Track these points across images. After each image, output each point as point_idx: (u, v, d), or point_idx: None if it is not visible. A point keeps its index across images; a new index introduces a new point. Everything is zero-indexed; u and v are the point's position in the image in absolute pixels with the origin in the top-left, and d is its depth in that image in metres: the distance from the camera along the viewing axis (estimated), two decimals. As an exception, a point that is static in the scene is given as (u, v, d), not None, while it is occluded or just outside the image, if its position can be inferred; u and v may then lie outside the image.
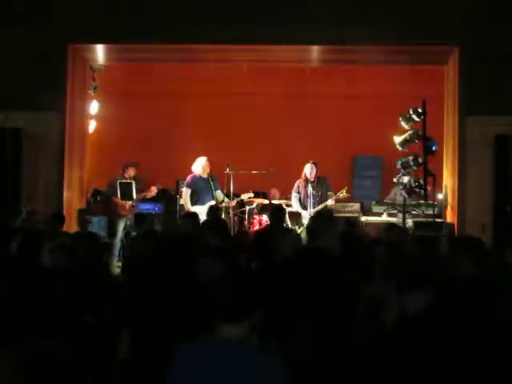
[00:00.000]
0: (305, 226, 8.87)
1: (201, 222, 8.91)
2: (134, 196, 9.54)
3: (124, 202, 9.53)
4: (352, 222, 7.61)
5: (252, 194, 9.76)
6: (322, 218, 4.05)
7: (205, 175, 9.46)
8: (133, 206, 9.52)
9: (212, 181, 9.46)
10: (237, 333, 2.49)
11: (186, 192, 9.51)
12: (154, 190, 9.70)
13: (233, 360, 2.45)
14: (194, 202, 9.37)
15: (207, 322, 2.56)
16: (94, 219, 9.69)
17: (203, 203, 9.35)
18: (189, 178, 9.58)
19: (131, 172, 9.76)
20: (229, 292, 2.53)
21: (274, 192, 10.66)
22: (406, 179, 8.49)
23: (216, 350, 2.48)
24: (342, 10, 8.45)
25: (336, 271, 3.57)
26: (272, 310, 3.08)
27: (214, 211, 7.84)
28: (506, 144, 8.45)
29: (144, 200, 10.02)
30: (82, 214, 9.58)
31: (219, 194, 9.51)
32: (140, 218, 6.96)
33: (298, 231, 9.39)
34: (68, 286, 4.16)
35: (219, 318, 2.51)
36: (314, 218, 4.23)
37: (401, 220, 8.51)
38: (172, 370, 2.55)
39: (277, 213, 6.54)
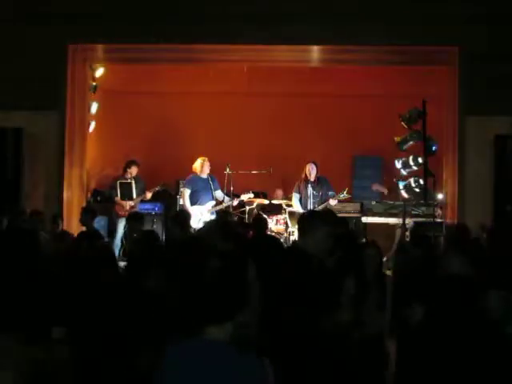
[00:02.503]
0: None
1: (201, 222, 8.98)
2: (134, 196, 9.55)
3: (124, 202, 9.56)
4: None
5: (252, 195, 9.74)
6: (309, 217, 4.01)
7: (204, 175, 9.46)
8: (132, 207, 9.55)
9: (212, 181, 9.46)
10: (220, 333, 2.50)
11: (185, 192, 9.52)
12: (148, 195, 9.73)
13: (215, 361, 2.46)
14: (193, 202, 9.38)
15: (193, 323, 2.57)
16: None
17: (203, 203, 9.36)
18: (188, 178, 9.59)
19: (133, 171, 9.78)
20: (212, 293, 2.54)
21: (279, 193, 10.66)
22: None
23: (199, 351, 2.50)
24: (342, 10, 8.45)
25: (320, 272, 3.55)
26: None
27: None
28: (506, 144, 8.45)
29: (142, 200, 10.03)
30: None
31: (219, 193, 9.51)
32: (136, 217, 6.94)
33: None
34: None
35: (203, 319, 2.52)
36: (301, 217, 4.17)
37: (401, 220, 8.52)
38: (158, 371, 2.57)
39: (259, 224, 6.60)
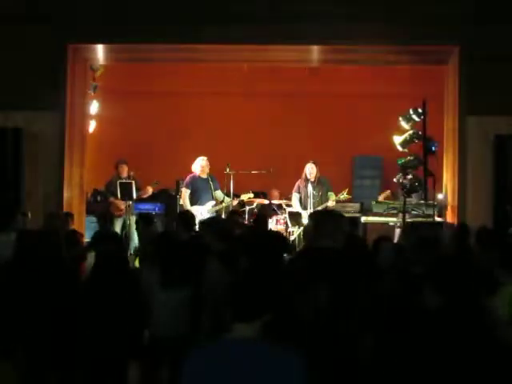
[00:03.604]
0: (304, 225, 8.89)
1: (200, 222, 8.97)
2: (134, 196, 9.55)
3: (118, 201, 9.55)
4: (355, 223, 7.63)
5: (252, 195, 9.75)
6: (329, 217, 4.04)
7: (204, 175, 9.47)
8: (129, 206, 9.52)
9: (212, 181, 9.46)
10: (249, 331, 2.51)
11: (184, 192, 9.52)
12: (149, 190, 9.73)
13: (247, 358, 2.47)
14: (193, 202, 9.37)
15: (221, 321, 2.59)
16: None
17: (203, 203, 9.36)
18: (188, 178, 9.59)
19: (123, 170, 9.78)
20: (241, 292, 2.55)
21: (275, 193, 10.66)
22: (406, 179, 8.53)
23: (230, 349, 2.51)
24: (342, 10, 8.44)
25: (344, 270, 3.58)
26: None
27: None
28: (506, 144, 8.45)
29: (142, 200, 10.02)
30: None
31: (219, 193, 9.51)
32: (147, 219, 6.92)
33: (297, 231, 9.40)
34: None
35: (232, 317, 2.53)
36: (319, 217, 4.19)
37: (401, 220, 8.51)
38: (187, 371, 2.56)
39: (260, 219, 6.63)
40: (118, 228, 9.52)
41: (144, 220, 6.85)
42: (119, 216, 9.60)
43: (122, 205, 9.56)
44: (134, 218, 9.68)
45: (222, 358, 2.49)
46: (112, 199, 9.70)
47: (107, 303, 4.26)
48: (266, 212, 9.19)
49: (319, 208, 9.17)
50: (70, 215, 7.49)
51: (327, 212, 4.97)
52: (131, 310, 4.27)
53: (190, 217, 6.50)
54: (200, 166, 9.47)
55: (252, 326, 2.52)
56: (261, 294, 2.56)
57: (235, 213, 7.99)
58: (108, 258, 4.57)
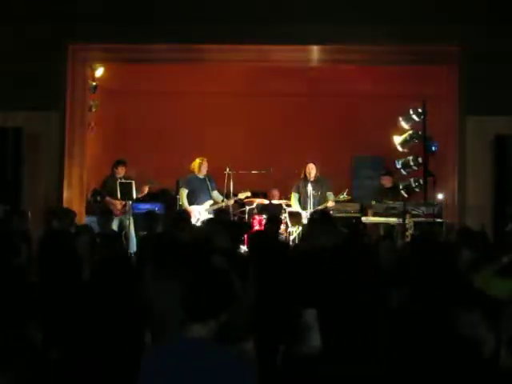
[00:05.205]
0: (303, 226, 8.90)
1: (199, 222, 8.98)
2: (134, 196, 9.52)
3: (115, 201, 9.52)
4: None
5: (249, 193, 9.73)
6: (317, 219, 4.09)
7: (201, 175, 9.47)
8: (124, 205, 9.48)
9: (209, 181, 9.47)
10: (203, 332, 2.51)
11: (182, 192, 9.52)
12: (145, 190, 9.66)
13: (197, 358, 2.48)
14: (191, 202, 9.39)
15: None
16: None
17: (201, 203, 9.37)
18: (186, 177, 9.60)
19: (120, 171, 9.72)
20: (194, 291, 2.55)
21: (275, 193, 10.66)
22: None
23: (182, 349, 2.52)
24: (342, 10, 8.45)
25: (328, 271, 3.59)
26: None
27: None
28: (506, 144, 8.46)
29: (142, 200, 10.00)
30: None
31: (216, 194, 9.52)
32: (153, 217, 6.92)
33: (297, 231, 9.40)
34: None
35: (186, 316, 2.53)
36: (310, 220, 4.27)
37: (400, 220, 8.51)
38: (142, 368, 2.57)
39: (274, 222, 6.62)
40: (114, 228, 9.50)
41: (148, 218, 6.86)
42: (116, 215, 9.56)
43: (119, 204, 9.52)
44: (132, 219, 9.71)
45: (173, 355, 2.50)
46: (108, 198, 9.65)
47: (110, 304, 4.24)
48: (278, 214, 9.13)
49: (319, 208, 9.17)
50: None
51: (314, 214, 5.05)
52: (134, 310, 4.25)
53: (186, 216, 6.51)
54: (198, 165, 9.47)
55: (206, 325, 2.52)
56: (215, 293, 2.55)
57: (223, 211, 8.03)
58: (114, 258, 4.57)
